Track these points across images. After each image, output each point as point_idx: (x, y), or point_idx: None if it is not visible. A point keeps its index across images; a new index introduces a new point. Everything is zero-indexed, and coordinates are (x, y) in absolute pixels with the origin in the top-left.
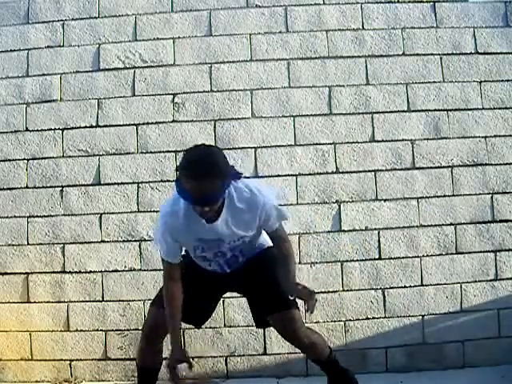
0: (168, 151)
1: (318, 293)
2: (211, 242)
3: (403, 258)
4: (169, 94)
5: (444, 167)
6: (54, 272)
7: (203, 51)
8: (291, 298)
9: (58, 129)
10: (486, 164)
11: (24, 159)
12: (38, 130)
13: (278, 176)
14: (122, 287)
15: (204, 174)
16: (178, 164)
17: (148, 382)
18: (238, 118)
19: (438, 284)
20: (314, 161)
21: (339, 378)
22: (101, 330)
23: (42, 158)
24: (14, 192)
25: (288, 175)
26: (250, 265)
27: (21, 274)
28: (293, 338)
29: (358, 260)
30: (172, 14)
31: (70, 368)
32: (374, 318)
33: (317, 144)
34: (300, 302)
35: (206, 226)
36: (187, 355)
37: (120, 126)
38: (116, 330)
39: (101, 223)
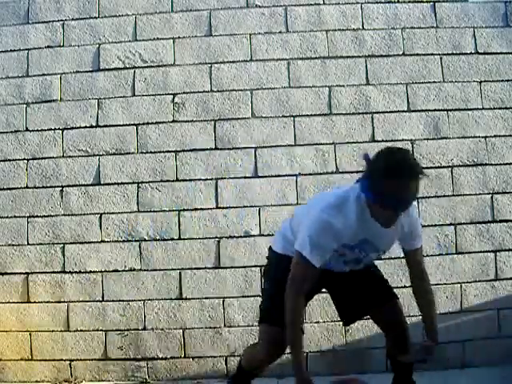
0: (168, 151)
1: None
2: (367, 246)
3: (403, 257)
4: (169, 93)
5: (444, 167)
6: (54, 272)
7: (203, 51)
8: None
9: (58, 129)
10: (486, 164)
11: (24, 159)
12: (38, 130)
13: (278, 176)
14: (121, 287)
15: (419, 173)
16: (372, 170)
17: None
18: (238, 118)
19: (437, 284)
20: (314, 161)
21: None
22: (101, 330)
23: (42, 158)
24: (13, 192)
25: (288, 175)
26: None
27: (21, 274)
28: (402, 328)
29: None
30: (172, 13)
31: (70, 368)
32: None
33: (317, 144)
34: None
35: (377, 230)
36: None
37: (120, 125)
38: (116, 330)
39: (101, 223)
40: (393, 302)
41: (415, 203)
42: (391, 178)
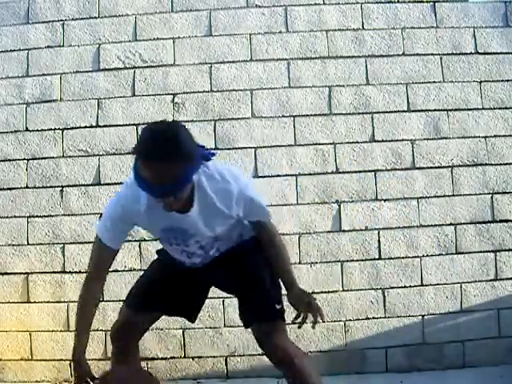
0: None
1: (318, 293)
2: (183, 233)
3: (403, 257)
4: (169, 94)
5: (444, 167)
6: (54, 272)
7: (203, 51)
8: (278, 307)
9: (58, 129)
10: (486, 164)
11: (24, 159)
12: (38, 130)
13: (278, 176)
14: (122, 287)
15: (163, 157)
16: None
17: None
18: (238, 118)
19: (438, 284)
20: (314, 161)
21: None
22: (101, 330)
23: (42, 158)
24: (13, 192)
25: (288, 175)
26: (231, 259)
27: (21, 274)
28: (269, 351)
29: (358, 260)
30: (172, 13)
31: (70, 368)
32: (374, 317)
33: (317, 144)
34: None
35: (176, 216)
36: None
37: (120, 125)
38: None
39: None
40: (260, 325)
41: (245, 186)
42: (139, 158)
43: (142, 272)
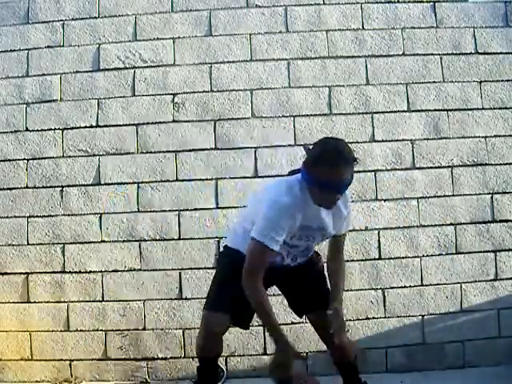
0: (168, 151)
1: None
2: (311, 231)
3: (403, 257)
4: (169, 94)
5: (444, 167)
6: (54, 272)
7: (203, 51)
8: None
9: (58, 129)
10: (486, 164)
11: (24, 159)
12: (38, 130)
13: (278, 176)
14: (122, 287)
15: (349, 160)
16: (308, 157)
17: (213, 368)
18: (238, 118)
19: (438, 284)
20: None
21: None
22: (101, 330)
23: (42, 158)
24: (13, 192)
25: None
26: (303, 267)
27: (21, 274)
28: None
29: (357, 260)
30: (172, 13)
31: (70, 368)
32: (374, 317)
33: None
34: None
35: (320, 215)
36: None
37: (120, 126)
38: (116, 330)
39: (101, 223)
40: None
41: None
42: (323, 164)
43: (143, 272)
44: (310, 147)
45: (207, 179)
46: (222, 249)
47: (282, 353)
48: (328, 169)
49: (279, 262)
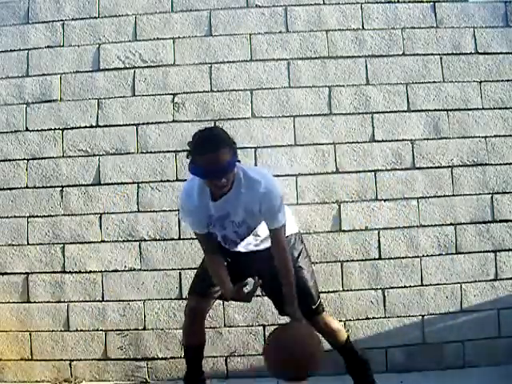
0: (168, 151)
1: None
2: (220, 219)
3: (403, 257)
4: (169, 94)
5: (444, 167)
6: (54, 272)
7: (203, 51)
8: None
9: (58, 129)
10: (486, 164)
11: (24, 159)
12: (38, 130)
13: (278, 176)
14: (122, 287)
15: (215, 146)
16: (189, 150)
17: (195, 358)
18: (238, 118)
19: (438, 284)
20: (314, 161)
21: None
22: (101, 330)
23: (42, 158)
24: (13, 192)
25: (288, 175)
26: (263, 261)
27: (21, 274)
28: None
29: (358, 260)
30: (172, 13)
31: (70, 368)
32: (374, 317)
33: (317, 144)
34: None
35: (216, 203)
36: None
37: (120, 125)
38: (116, 330)
39: (101, 223)
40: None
41: (272, 190)
42: (194, 153)
43: (143, 272)
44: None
45: None
46: None
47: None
48: (201, 156)
49: (227, 247)
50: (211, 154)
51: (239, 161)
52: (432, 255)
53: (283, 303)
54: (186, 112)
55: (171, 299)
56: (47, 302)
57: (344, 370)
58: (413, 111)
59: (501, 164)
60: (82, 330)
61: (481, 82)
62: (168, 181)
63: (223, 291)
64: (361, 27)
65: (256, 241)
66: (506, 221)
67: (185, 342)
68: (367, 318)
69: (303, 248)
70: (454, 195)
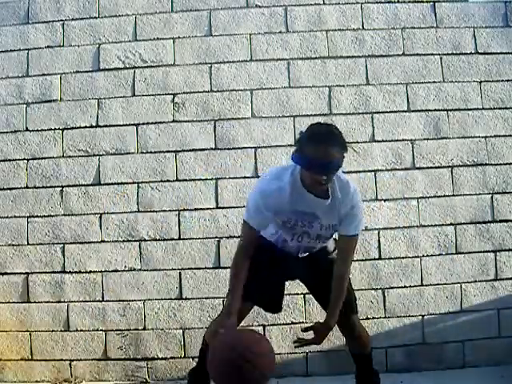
0: (168, 151)
1: None
2: (306, 217)
3: (403, 257)
4: (169, 94)
5: (444, 167)
6: (54, 272)
7: (203, 51)
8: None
9: (58, 129)
10: (486, 164)
11: (24, 159)
12: (38, 130)
13: None
14: (122, 287)
15: (332, 140)
16: (297, 139)
17: None
18: (238, 118)
19: (438, 284)
20: None
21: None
22: (101, 330)
23: (42, 158)
24: (13, 192)
25: None
26: (317, 264)
27: (21, 274)
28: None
29: (357, 260)
30: (172, 13)
31: (70, 368)
32: (373, 317)
33: None
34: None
35: (309, 200)
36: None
37: (120, 126)
38: (116, 330)
39: (101, 223)
40: (348, 318)
41: (355, 189)
42: (307, 143)
43: (143, 272)
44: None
45: (207, 179)
46: None
47: (215, 320)
48: (313, 147)
49: (288, 248)
50: (326, 146)
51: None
52: (432, 255)
53: (326, 305)
54: (185, 112)
55: (171, 299)
56: (47, 302)
57: (344, 370)
58: (413, 111)
59: (501, 164)
60: (82, 330)
61: (481, 82)
62: (168, 181)
63: (227, 309)
64: (361, 27)
65: (315, 249)
66: (506, 221)
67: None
68: (367, 318)
69: None
70: (453, 195)
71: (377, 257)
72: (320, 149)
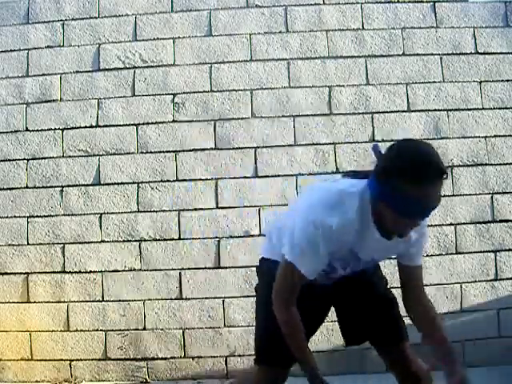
0: (168, 151)
1: None
2: (357, 263)
3: None
4: (169, 94)
5: None
6: (54, 272)
7: (203, 51)
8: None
9: (58, 129)
10: (486, 164)
11: (24, 159)
12: (38, 130)
13: (278, 176)
14: (121, 287)
15: (442, 177)
16: (386, 163)
17: None
18: (238, 118)
19: (438, 284)
20: (314, 161)
21: None
22: (101, 330)
23: (42, 158)
24: (13, 192)
25: (288, 175)
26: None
27: (21, 274)
28: (415, 376)
29: None
30: (172, 13)
31: (70, 368)
32: None
33: (317, 144)
34: None
35: (374, 240)
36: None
37: (120, 125)
38: (116, 330)
39: (101, 223)
40: (402, 346)
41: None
42: (411, 175)
43: (143, 272)
44: (383, 150)
45: (207, 179)
46: (258, 263)
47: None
48: (417, 184)
49: (334, 279)
50: (435, 186)
51: None
52: (432, 255)
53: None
54: (185, 112)
55: (171, 299)
56: (47, 302)
57: (344, 370)
58: (413, 111)
59: (501, 164)
60: (82, 330)
61: (481, 82)
62: (168, 181)
63: (303, 359)
64: (361, 27)
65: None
66: (506, 221)
67: None
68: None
69: None
70: (453, 195)
71: None
72: (428, 190)
